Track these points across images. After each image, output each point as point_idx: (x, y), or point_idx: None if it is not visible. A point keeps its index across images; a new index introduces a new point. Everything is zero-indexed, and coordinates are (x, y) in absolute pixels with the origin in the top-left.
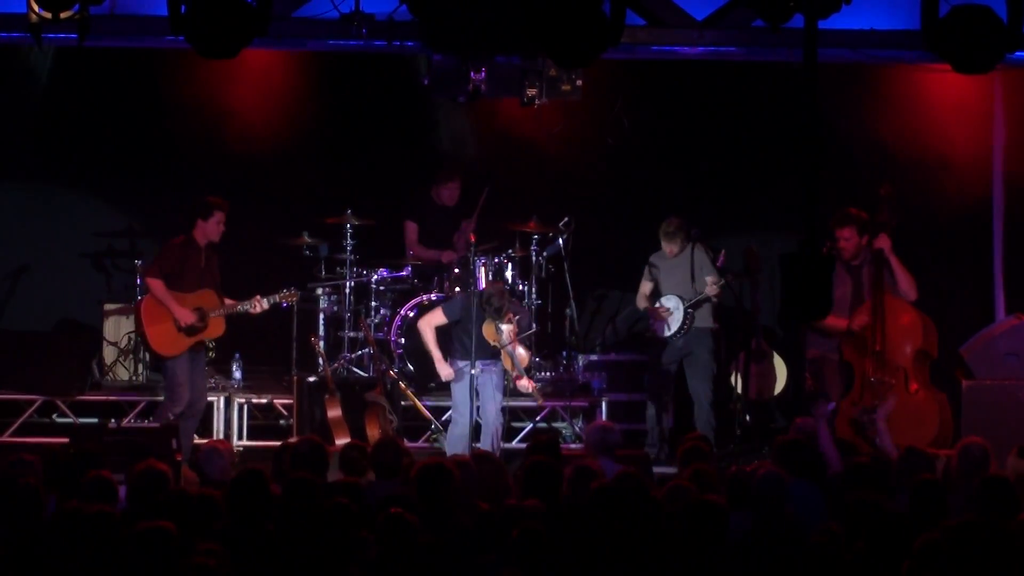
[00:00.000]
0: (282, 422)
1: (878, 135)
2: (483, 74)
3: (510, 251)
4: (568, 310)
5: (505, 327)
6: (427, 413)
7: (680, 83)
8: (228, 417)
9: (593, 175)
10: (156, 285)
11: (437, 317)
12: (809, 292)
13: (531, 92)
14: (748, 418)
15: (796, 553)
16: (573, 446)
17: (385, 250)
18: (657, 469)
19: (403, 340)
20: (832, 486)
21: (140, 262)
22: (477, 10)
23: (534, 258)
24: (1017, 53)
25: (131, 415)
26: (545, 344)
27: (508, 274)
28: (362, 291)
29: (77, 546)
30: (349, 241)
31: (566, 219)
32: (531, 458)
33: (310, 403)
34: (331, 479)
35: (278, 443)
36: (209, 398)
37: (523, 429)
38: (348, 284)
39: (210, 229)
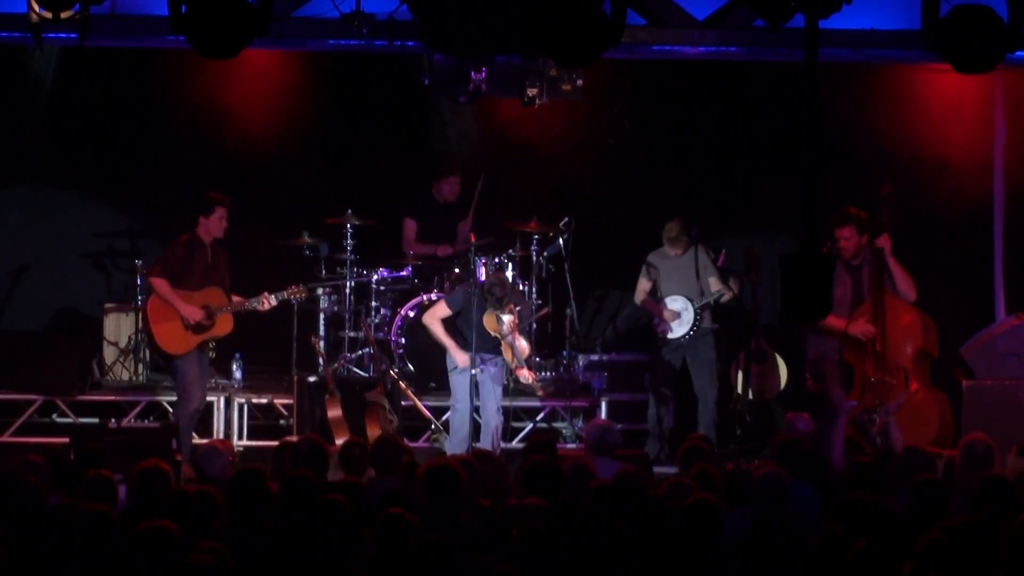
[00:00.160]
0: (282, 422)
1: (878, 135)
2: (483, 74)
3: (510, 251)
4: (568, 310)
5: (506, 317)
6: (427, 413)
7: (681, 83)
8: (228, 417)
9: (593, 175)
10: (160, 284)
11: (441, 310)
12: (809, 292)
13: (531, 92)
14: (749, 418)
15: (796, 553)
16: (573, 446)
17: (385, 250)
18: (657, 469)
19: (403, 340)
20: (832, 486)
21: (140, 262)
22: (478, 10)
23: (534, 258)
24: (1017, 53)
25: (131, 415)
26: (545, 344)
27: (508, 274)
28: (362, 291)
29: (75, 545)
30: (349, 241)
31: (566, 219)
32: (531, 458)
33: (310, 403)
34: (331, 479)
35: (278, 443)
36: (209, 398)
37: (523, 429)
38: (348, 284)
39: (212, 225)
